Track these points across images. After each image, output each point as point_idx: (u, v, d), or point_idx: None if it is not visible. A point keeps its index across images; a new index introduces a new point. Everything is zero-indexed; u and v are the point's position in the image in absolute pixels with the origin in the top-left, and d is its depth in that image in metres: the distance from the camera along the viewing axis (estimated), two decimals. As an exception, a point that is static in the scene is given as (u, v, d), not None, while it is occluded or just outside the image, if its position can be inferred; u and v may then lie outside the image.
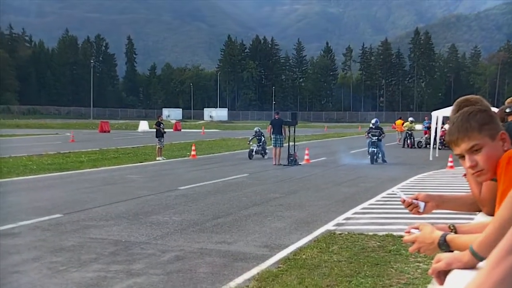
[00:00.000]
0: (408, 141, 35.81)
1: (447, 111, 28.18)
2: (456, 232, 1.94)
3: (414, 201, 2.42)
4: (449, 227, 1.99)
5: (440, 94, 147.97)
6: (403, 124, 39.38)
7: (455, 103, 2.30)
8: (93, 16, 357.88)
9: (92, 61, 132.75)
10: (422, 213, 2.43)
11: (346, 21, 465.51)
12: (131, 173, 19.82)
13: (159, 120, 26.98)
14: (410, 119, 37.58)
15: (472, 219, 2.59)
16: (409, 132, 36.10)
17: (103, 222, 10.74)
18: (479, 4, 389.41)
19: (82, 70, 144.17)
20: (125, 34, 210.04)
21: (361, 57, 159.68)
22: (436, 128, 28.73)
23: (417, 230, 1.98)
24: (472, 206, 2.44)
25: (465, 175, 2.37)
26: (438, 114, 28.54)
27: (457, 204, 2.48)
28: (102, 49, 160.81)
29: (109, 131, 57.02)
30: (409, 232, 2.01)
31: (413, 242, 1.96)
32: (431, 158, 26.32)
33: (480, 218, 2.30)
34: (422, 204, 2.41)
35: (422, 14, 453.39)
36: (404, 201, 2.45)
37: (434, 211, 2.42)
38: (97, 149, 30.53)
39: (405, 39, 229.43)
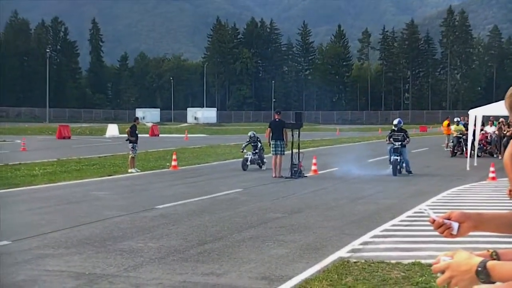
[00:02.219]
0: (464, 148, 33.72)
1: (489, 109, 28.32)
2: (499, 259, 1.96)
3: (446, 221, 2.44)
4: (491, 254, 2.01)
5: (479, 88, 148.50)
6: (448, 125, 38.82)
7: None
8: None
9: (48, 50, 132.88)
10: (456, 235, 2.43)
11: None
12: (97, 189, 19.81)
13: (136, 123, 27.04)
14: (456, 119, 36.95)
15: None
16: (460, 136, 35.15)
17: (62, 250, 10.76)
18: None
19: (35, 61, 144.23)
20: (89, 16, 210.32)
21: (382, 43, 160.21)
22: (474, 131, 28.73)
23: (450, 258, 1.99)
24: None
25: (510, 192, 2.40)
26: (477, 113, 28.59)
27: (499, 225, 2.49)
28: (60, 36, 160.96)
29: (69, 137, 57.03)
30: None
31: (444, 271, 1.96)
32: (468, 168, 26.39)
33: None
34: (455, 225, 2.42)
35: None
36: (433, 221, 2.46)
37: (470, 233, 2.44)
38: (55, 159, 30.51)
39: (435, 20, 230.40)
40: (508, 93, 2.31)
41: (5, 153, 35.70)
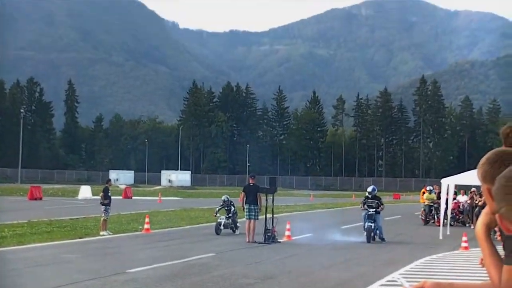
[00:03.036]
0: (436, 216, 34.35)
1: (461, 178, 28.62)
2: None
3: (420, 290, 2.47)
4: None
5: (451, 157, 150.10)
6: (423, 194, 38.93)
7: (492, 153, 2.37)
8: (26, 55, 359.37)
9: (22, 110, 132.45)
10: None
11: (337, 66, 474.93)
12: (68, 251, 19.58)
13: (108, 185, 26.96)
14: (429, 187, 37.27)
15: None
16: (431, 204, 35.39)
17: (30, 314, 10.57)
18: (497, 49, 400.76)
19: (9, 121, 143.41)
20: (65, 77, 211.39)
21: (356, 110, 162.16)
22: (446, 199, 28.96)
23: None
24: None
25: (482, 261, 2.43)
26: (449, 182, 28.87)
27: (471, 296, 2.53)
28: (35, 96, 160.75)
29: (41, 198, 56.41)
30: None
31: None
32: (441, 237, 26.51)
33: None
34: (429, 295, 2.46)
35: (429, 59, 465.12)
36: (407, 291, 2.49)
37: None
38: (25, 221, 30.16)
39: (409, 89, 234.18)
40: (480, 163, 2.38)
41: (-25, 213, 35.21)
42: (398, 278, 2.50)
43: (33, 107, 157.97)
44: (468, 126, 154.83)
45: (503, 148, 2.41)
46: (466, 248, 22.13)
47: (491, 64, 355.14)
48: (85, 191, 66.02)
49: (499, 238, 2.41)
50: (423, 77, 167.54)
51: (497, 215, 2.07)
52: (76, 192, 68.55)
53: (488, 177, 2.25)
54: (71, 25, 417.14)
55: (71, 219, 32.34)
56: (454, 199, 33.97)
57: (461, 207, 35.28)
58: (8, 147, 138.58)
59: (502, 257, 2.35)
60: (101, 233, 24.92)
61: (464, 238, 22.72)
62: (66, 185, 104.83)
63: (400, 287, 2.55)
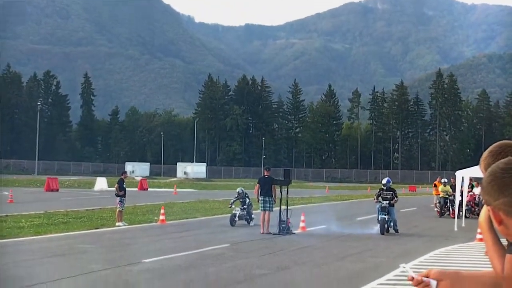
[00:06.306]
0: (450, 208, 34.22)
1: (475, 171, 28.48)
2: None
3: (425, 279, 2.48)
4: None
5: (468, 150, 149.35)
6: (435, 186, 38.63)
7: (496, 146, 2.37)
8: (41, 48, 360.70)
9: (39, 103, 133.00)
10: None
11: (353, 59, 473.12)
12: (84, 242, 19.71)
13: (123, 177, 27.06)
14: (444, 180, 37.12)
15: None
16: (446, 196, 35.29)
17: (46, 302, 10.65)
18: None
19: (26, 114, 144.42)
20: (81, 70, 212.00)
21: (371, 104, 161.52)
22: (462, 192, 28.86)
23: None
24: (494, 286, 2.50)
25: (486, 253, 2.44)
26: (464, 174, 28.74)
27: (476, 283, 2.53)
28: (52, 89, 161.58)
29: (57, 190, 56.79)
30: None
31: None
32: (456, 229, 26.41)
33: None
34: (434, 283, 2.47)
35: (446, 52, 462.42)
36: (412, 279, 2.50)
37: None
38: (42, 211, 30.35)
39: (425, 82, 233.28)
40: (483, 155, 2.39)
41: (-8, 205, 35.50)
42: (404, 266, 2.49)
43: (50, 100, 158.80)
44: (485, 119, 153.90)
45: (506, 141, 2.42)
46: (481, 239, 21.96)
47: (509, 57, 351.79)
48: (101, 183, 66.44)
49: None
50: (439, 71, 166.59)
51: (489, 207, 2.05)
52: (92, 184, 68.94)
53: None
54: (86, 18, 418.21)
55: (87, 210, 32.52)
56: (470, 191, 33.83)
57: (476, 199, 35.11)
58: (25, 140, 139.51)
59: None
60: (117, 224, 25.06)
61: (479, 230, 22.52)
62: (82, 177, 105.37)
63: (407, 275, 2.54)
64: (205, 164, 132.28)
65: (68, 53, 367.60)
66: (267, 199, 23.71)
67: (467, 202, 30.42)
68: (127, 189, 27.04)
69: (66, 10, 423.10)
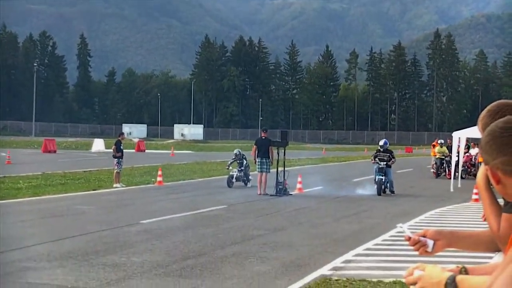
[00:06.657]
0: (446, 169, 34.56)
1: (472, 131, 28.52)
2: (468, 274, 2.05)
3: (422, 238, 2.51)
4: (460, 270, 2.09)
5: (465, 110, 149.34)
6: (434, 147, 38.65)
7: (494, 105, 2.38)
8: (37, 8, 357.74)
9: (35, 64, 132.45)
10: (431, 252, 2.52)
11: (350, 20, 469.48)
12: (82, 203, 19.78)
13: (121, 139, 27.04)
14: (440, 141, 37.16)
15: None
16: (443, 157, 35.64)
17: (44, 263, 10.73)
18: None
19: (22, 75, 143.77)
20: (78, 31, 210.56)
21: (369, 65, 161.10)
22: (458, 152, 28.93)
23: (421, 271, 2.07)
24: (490, 244, 2.52)
25: (484, 216, 2.46)
26: (461, 135, 28.78)
27: (472, 242, 2.57)
28: (48, 50, 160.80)
29: (55, 151, 56.78)
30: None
31: (416, 283, 2.06)
32: (452, 189, 26.54)
33: (498, 259, 2.37)
34: (430, 243, 2.49)
35: (444, 12, 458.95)
36: (409, 239, 2.53)
37: (445, 250, 2.54)
38: (40, 173, 30.42)
39: (423, 43, 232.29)
40: (481, 115, 2.39)
41: (-10, 166, 35.52)
42: (401, 226, 2.51)
43: (46, 61, 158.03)
44: (482, 79, 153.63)
45: (504, 100, 2.42)
46: (476, 200, 22.11)
47: (507, 17, 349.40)
48: (98, 144, 66.45)
49: None
50: (437, 31, 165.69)
51: (487, 166, 2.06)
52: (89, 145, 68.95)
53: None
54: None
55: (84, 171, 32.57)
56: (467, 152, 33.91)
57: (473, 160, 35.23)
58: (21, 101, 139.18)
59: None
60: (115, 185, 25.11)
61: (475, 191, 22.64)
62: (80, 138, 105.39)
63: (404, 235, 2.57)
64: (202, 125, 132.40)
65: (64, 13, 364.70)
66: (264, 160, 23.77)
67: (463, 163, 30.48)
68: (124, 150, 27.07)
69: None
